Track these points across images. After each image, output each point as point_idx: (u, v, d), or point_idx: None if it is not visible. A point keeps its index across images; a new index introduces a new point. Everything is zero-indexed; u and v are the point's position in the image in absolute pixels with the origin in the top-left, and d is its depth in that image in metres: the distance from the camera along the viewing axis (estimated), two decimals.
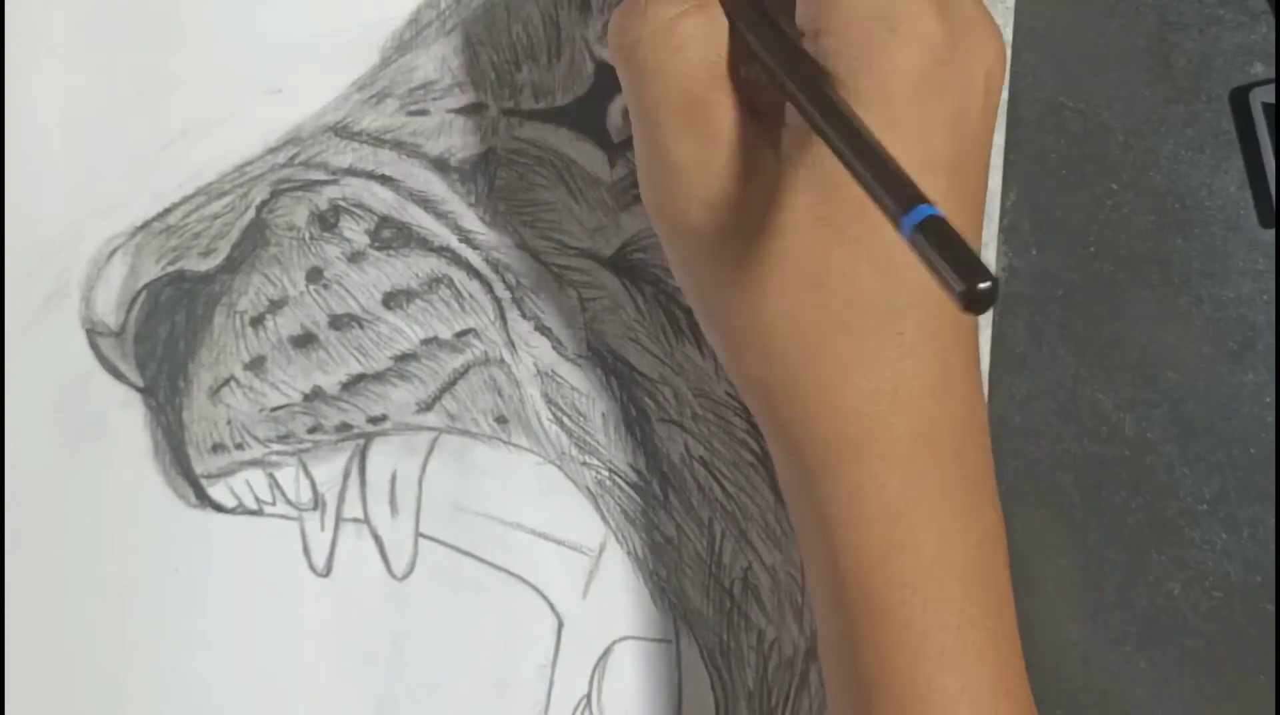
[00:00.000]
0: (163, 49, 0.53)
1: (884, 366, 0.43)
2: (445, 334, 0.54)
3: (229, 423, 0.54)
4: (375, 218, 0.53)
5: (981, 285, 0.32)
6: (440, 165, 0.53)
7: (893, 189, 0.36)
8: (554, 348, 0.54)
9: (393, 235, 0.53)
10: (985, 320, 0.55)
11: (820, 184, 0.43)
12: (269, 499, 0.54)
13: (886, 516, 0.44)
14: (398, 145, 0.53)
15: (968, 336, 0.45)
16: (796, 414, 0.45)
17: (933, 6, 0.42)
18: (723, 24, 0.45)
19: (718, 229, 0.44)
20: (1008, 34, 0.55)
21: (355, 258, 0.53)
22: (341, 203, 0.53)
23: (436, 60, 0.53)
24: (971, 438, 0.45)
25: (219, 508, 0.54)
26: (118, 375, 0.53)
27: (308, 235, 0.53)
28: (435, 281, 0.54)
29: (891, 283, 0.43)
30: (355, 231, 0.53)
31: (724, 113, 0.44)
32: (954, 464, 0.45)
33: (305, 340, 0.53)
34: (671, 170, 0.44)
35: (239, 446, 0.54)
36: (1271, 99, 0.54)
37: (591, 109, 0.54)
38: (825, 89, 0.41)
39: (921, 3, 0.42)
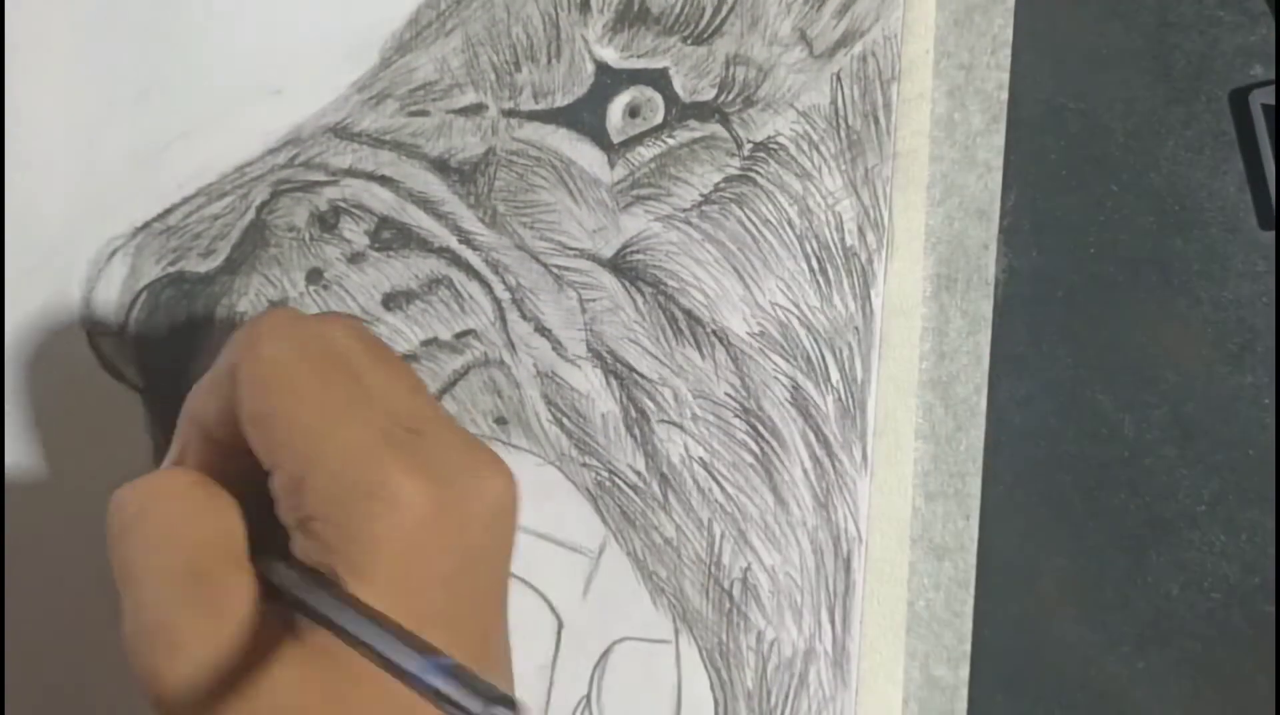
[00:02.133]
0: (163, 49, 0.53)
1: None
2: (445, 335, 0.54)
3: None
4: (375, 219, 0.53)
5: (500, 710, 0.32)
6: (440, 166, 0.53)
7: (399, 653, 0.36)
8: (553, 349, 0.54)
9: (392, 236, 0.53)
10: (985, 320, 0.55)
11: (326, 659, 0.41)
12: None
13: None
14: (397, 146, 0.53)
15: None
16: None
17: (407, 463, 0.41)
18: (232, 503, 0.44)
19: (209, 704, 0.42)
20: (1007, 34, 0.55)
21: (355, 259, 0.53)
22: (341, 204, 0.53)
23: (436, 61, 0.54)
24: None
25: None
26: (118, 375, 0.53)
27: (307, 236, 0.53)
28: (435, 282, 0.54)
29: None
30: (355, 232, 0.53)
31: (234, 589, 0.42)
32: None
33: None
34: (170, 640, 0.42)
35: None
36: (1271, 100, 0.54)
37: (591, 110, 0.54)
38: (313, 581, 0.41)
39: (393, 464, 0.41)
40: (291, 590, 0.42)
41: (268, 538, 0.44)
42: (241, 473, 0.44)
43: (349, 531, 0.41)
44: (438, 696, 0.34)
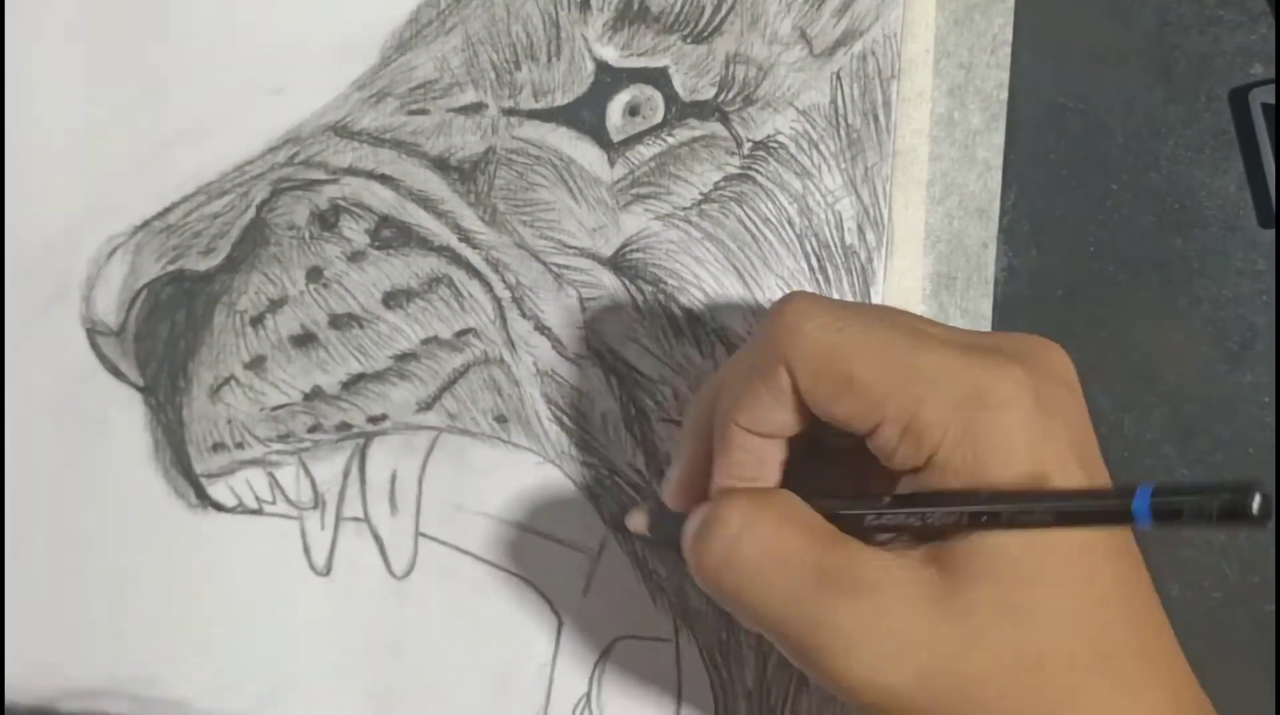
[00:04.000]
0: (163, 49, 0.53)
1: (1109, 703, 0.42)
2: (445, 333, 0.54)
3: (229, 422, 0.54)
4: (375, 217, 0.53)
5: (1255, 497, 0.32)
6: (440, 164, 0.54)
7: (1097, 506, 0.37)
8: (553, 347, 0.54)
9: (392, 235, 0.53)
10: (985, 319, 0.55)
11: (998, 575, 0.42)
12: (269, 498, 0.54)
13: None
14: (397, 144, 0.53)
15: (1179, 667, 0.45)
16: None
17: (999, 365, 0.42)
18: (791, 498, 0.45)
19: (912, 679, 0.42)
20: (1007, 33, 0.55)
21: (355, 257, 0.53)
22: (341, 202, 0.53)
23: (436, 59, 0.54)
24: None
25: (219, 507, 0.54)
26: (118, 374, 0.53)
27: (308, 234, 0.53)
28: (435, 281, 0.54)
29: (1080, 633, 0.42)
30: (355, 231, 0.53)
31: (868, 563, 0.43)
32: None
33: (305, 339, 0.53)
34: (842, 645, 0.42)
35: (239, 446, 0.54)
36: (1271, 99, 0.54)
37: (591, 108, 0.54)
38: (958, 502, 0.41)
39: (985, 369, 0.42)
40: (922, 522, 0.42)
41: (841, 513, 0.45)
42: (779, 460, 0.46)
43: (979, 446, 0.42)
44: (1162, 519, 0.34)
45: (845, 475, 0.47)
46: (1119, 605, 0.43)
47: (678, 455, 0.49)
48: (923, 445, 0.42)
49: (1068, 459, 0.42)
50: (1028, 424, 0.42)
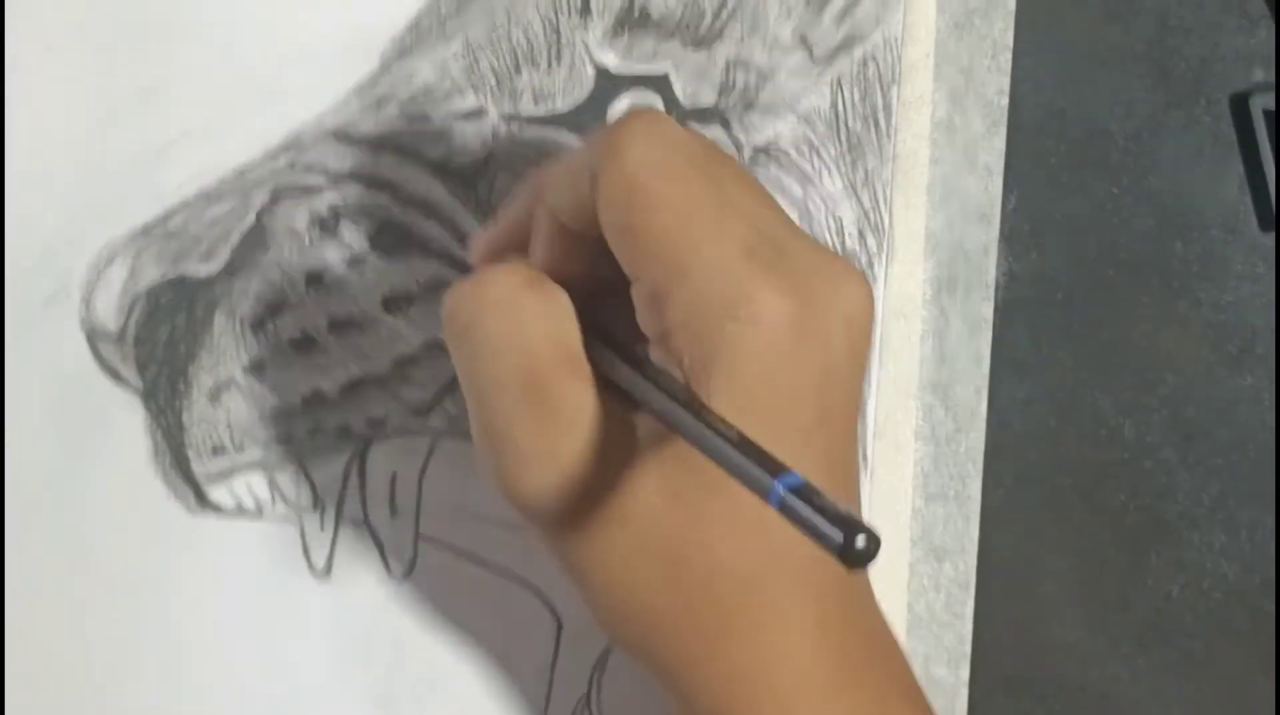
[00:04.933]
0: (163, 51, 0.53)
1: (753, 634, 0.43)
2: None
3: (229, 425, 0.54)
4: (375, 222, 0.53)
5: (858, 541, 0.33)
6: (440, 170, 0.53)
7: (752, 467, 0.36)
8: None
9: (392, 240, 0.53)
10: (985, 323, 0.55)
11: (676, 463, 0.42)
12: (269, 501, 0.54)
13: None
14: (398, 150, 0.53)
15: (848, 589, 0.45)
16: (678, 685, 0.44)
17: (770, 280, 0.41)
18: (565, 301, 0.45)
19: (570, 512, 0.43)
20: (1008, 37, 0.55)
21: (355, 262, 0.53)
22: (341, 207, 0.53)
23: (436, 65, 0.54)
24: (873, 680, 0.45)
25: (219, 510, 0.54)
26: (118, 378, 0.53)
27: (308, 239, 0.53)
28: (435, 285, 0.54)
29: (752, 552, 0.43)
30: (355, 236, 0.53)
31: (571, 394, 0.43)
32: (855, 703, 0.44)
33: (305, 344, 0.53)
34: (516, 453, 0.43)
35: (239, 449, 0.54)
36: (1271, 104, 0.55)
37: (592, 114, 0.54)
38: (668, 389, 0.41)
39: (756, 280, 0.41)
40: (641, 395, 0.42)
41: (607, 328, 0.45)
42: (583, 260, 0.46)
43: (709, 346, 0.41)
44: (783, 511, 0.35)
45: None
46: (786, 531, 0.43)
47: (497, 214, 0.49)
48: (663, 320, 0.42)
49: (797, 407, 0.42)
50: (769, 353, 0.41)
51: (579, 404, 0.43)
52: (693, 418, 0.39)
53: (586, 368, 0.44)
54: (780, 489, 0.35)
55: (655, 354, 0.43)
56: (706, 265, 0.41)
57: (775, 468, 0.36)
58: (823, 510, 0.34)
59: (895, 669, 0.46)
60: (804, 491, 0.34)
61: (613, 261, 0.44)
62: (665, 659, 0.44)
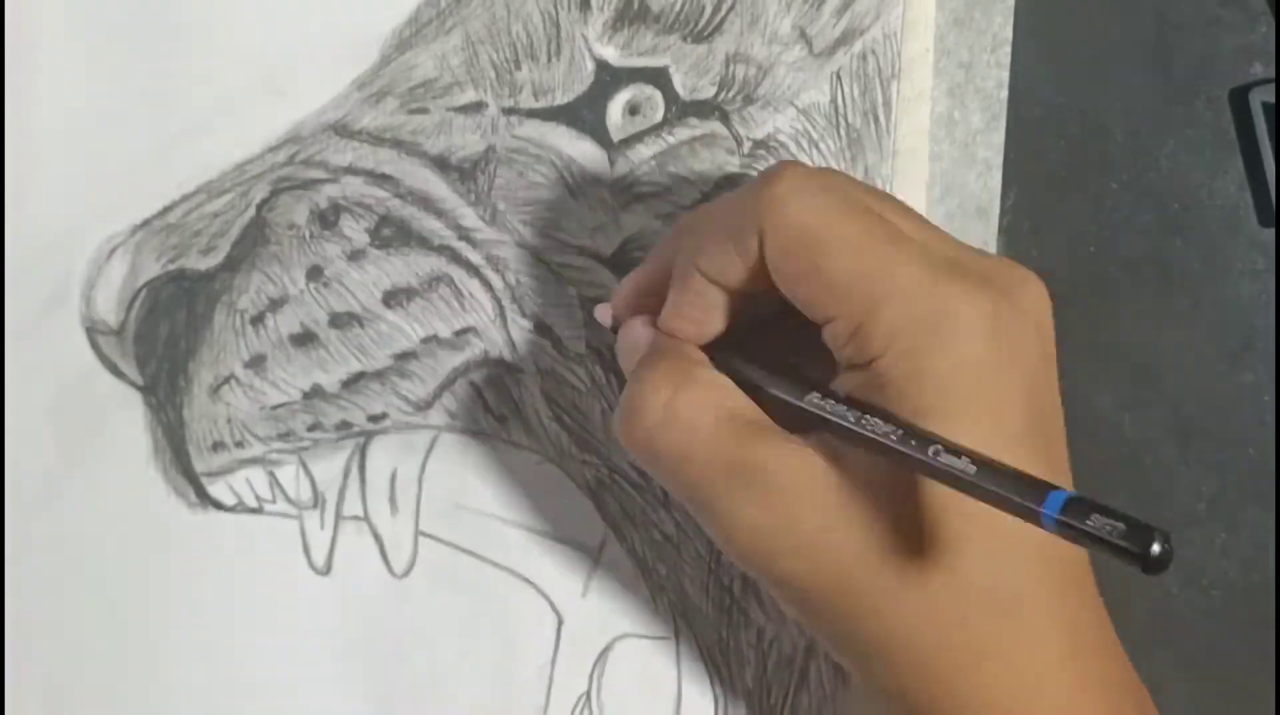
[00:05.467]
0: (163, 48, 0.53)
1: (1010, 663, 0.43)
2: (445, 332, 0.54)
3: (229, 421, 0.54)
4: (375, 216, 0.53)
5: (1155, 548, 0.32)
6: (440, 164, 0.54)
7: (1013, 493, 0.36)
8: (554, 346, 0.54)
9: (393, 234, 0.53)
10: None
11: (912, 497, 0.42)
12: (269, 497, 0.54)
13: None
14: (397, 144, 0.53)
15: (1096, 613, 0.45)
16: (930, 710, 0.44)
17: (962, 290, 0.42)
18: (721, 379, 0.45)
19: (819, 574, 0.43)
20: (1007, 32, 0.55)
21: (355, 256, 0.53)
22: (341, 201, 0.53)
23: (436, 58, 0.54)
24: (1125, 704, 0.45)
25: (219, 506, 0.54)
26: (118, 374, 0.53)
27: (308, 233, 0.53)
28: (435, 280, 0.54)
29: (1007, 576, 0.43)
30: (355, 230, 0.53)
31: (775, 462, 0.43)
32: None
33: (305, 338, 0.53)
34: (750, 537, 0.43)
35: (239, 445, 0.54)
36: (1271, 99, 0.55)
37: (591, 107, 0.54)
38: (889, 422, 0.41)
39: (949, 292, 0.42)
40: (861, 438, 0.42)
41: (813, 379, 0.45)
42: (731, 316, 0.46)
43: (917, 365, 0.42)
44: (1061, 530, 0.34)
45: (790, 341, 0.46)
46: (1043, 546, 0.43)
47: (641, 267, 0.50)
48: (867, 351, 0.42)
49: (1011, 410, 0.42)
50: (976, 362, 0.42)
51: (784, 468, 0.43)
52: (934, 457, 0.39)
53: (773, 432, 0.44)
54: (1053, 509, 0.34)
55: (850, 384, 0.43)
56: (900, 290, 0.42)
57: (1039, 486, 0.35)
58: (1109, 520, 0.33)
59: (1136, 691, 0.46)
60: (1080, 506, 0.34)
61: (763, 311, 0.45)
62: (914, 690, 0.44)
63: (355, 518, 0.54)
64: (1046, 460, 0.43)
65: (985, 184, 0.55)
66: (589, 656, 0.55)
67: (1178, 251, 0.56)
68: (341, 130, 0.53)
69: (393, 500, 0.55)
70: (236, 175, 0.53)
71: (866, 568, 0.42)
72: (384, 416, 0.54)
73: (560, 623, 0.55)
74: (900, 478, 0.42)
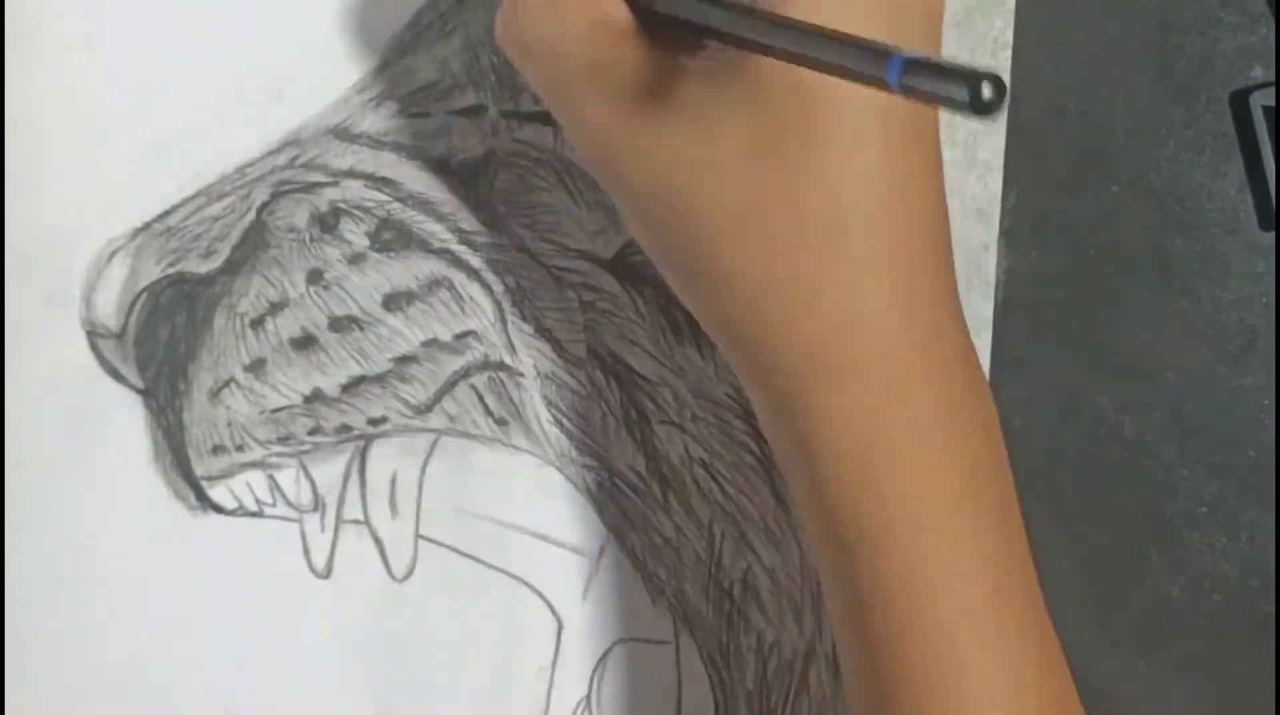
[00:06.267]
0: (163, 49, 0.53)
1: (838, 288, 0.42)
2: (445, 336, 0.54)
3: (229, 424, 0.54)
4: (375, 220, 0.53)
5: (984, 89, 0.32)
6: (440, 167, 0.53)
7: (861, 56, 0.35)
8: (554, 350, 0.54)
9: (393, 237, 0.53)
10: (985, 321, 0.55)
11: (752, 111, 0.42)
12: (269, 500, 0.54)
13: (863, 444, 0.43)
14: (398, 147, 0.53)
15: (932, 251, 0.45)
16: (762, 345, 0.44)
17: None
18: None
19: (656, 179, 0.43)
20: (1007, 35, 0.55)
21: (355, 260, 0.53)
22: (342, 205, 0.53)
23: (437, 62, 0.54)
24: (949, 349, 0.45)
25: (219, 509, 0.54)
26: (118, 377, 0.53)
27: (308, 237, 0.53)
28: (435, 283, 0.54)
29: (835, 202, 0.42)
30: (355, 233, 0.53)
31: (631, 67, 0.43)
32: (931, 382, 0.44)
33: (305, 342, 0.53)
34: (596, 136, 0.44)
35: (239, 448, 0.54)
36: (1271, 102, 0.54)
37: None
38: (752, 11, 0.40)
39: None
40: (720, 25, 0.41)
41: None
42: None
43: None
44: (905, 89, 0.33)
45: None
46: (879, 188, 0.43)
47: None
48: None
49: (874, 15, 0.42)
50: None
51: (640, 76, 0.43)
52: (784, 27, 0.38)
53: (636, 38, 0.43)
54: (898, 65, 0.34)
55: None
56: None
57: (883, 49, 0.34)
58: (941, 72, 0.33)
59: (971, 359, 0.46)
60: (920, 62, 0.34)
61: None
62: (746, 325, 0.44)
63: (355, 521, 0.54)
64: (913, 36, 0.44)
65: (985, 185, 0.55)
66: (589, 660, 0.55)
67: (1178, 253, 0.56)
68: (342, 134, 0.53)
69: (393, 504, 0.55)
70: (237, 178, 0.53)
71: (703, 174, 0.42)
72: (384, 420, 0.54)
73: (560, 626, 0.55)
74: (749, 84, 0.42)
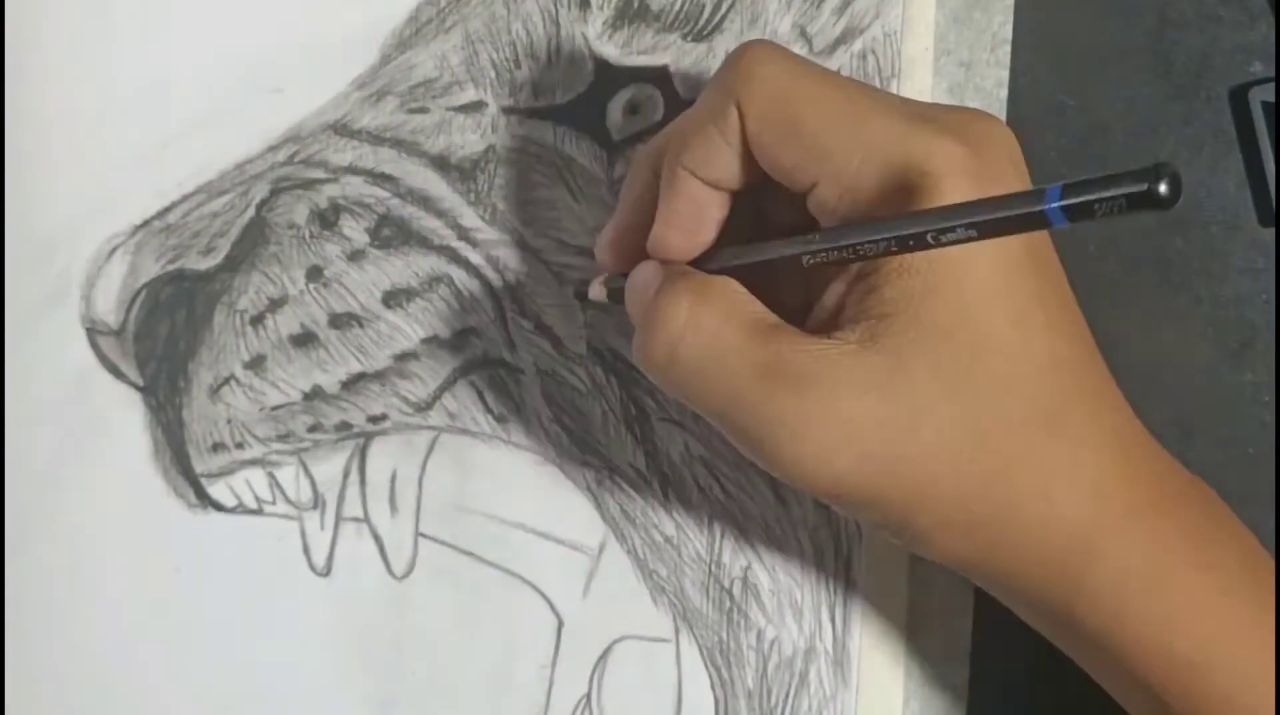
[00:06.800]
0: (163, 48, 0.53)
1: (1064, 472, 0.44)
2: (445, 333, 0.54)
3: (229, 422, 0.54)
4: (375, 216, 0.53)
5: (1161, 185, 0.32)
6: (440, 163, 0.54)
7: (1017, 207, 0.37)
8: (554, 346, 0.54)
9: (392, 234, 0.53)
10: None
11: (920, 342, 0.43)
12: (269, 498, 0.54)
13: (1146, 593, 0.44)
14: (397, 143, 0.53)
15: (1125, 417, 0.46)
16: (996, 566, 0.45)
17: (938, 133, 0.43)
18: (737, 286, 0.45)
19: (861, 462, 0.43)
20: (1007, 31, 0.55)
21: (355, 256, 0.53)
22: (341, 201, 0.53)
23: (436, 58, 0.54)
24: (1175, 480, 0.46)
25: (219, 507, 0.54)
26: (118, 374, 0.53)
27: (308, 233, 0.53)
28: (435, 280, 0.54)
29: (1040, 392, 0.43)
30: (355, 230, 0.53)
31: (805, 357, 0.43)
32: (1180, 518, 0.45)
33: (305, 339, 0.53)
34: (793, 438, 0.43)
35: (239, 445, 0.54)
36: (1271, 98, 0.54)
37: (591, 107, 0.54)
38: (891, 221, 0.41)
39: (926, 135, 0.43)
40: (866, 251, 0.42)
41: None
42: (723, 209, 0.47)
43: (911, 206, 0.42)
44: (1068, 211, 0.34)
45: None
46: (1062, 364, 0.44)
47: (615, 210, 0.49)
48: (859, 204, 0.43)
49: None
50: (962, 193, 0.42)
51: (819, 356, 0.43)
52: (932, 223, 0.39)
53: (789, 328, 0.44)
54: (1055, 194, 0.34)
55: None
56: (880, 135, 0.43)
57: (1034, 193, 0.35)
58: (1105, 181, 0.33)
59: (1200, 485, 0.47)
60: (1074, 184, 0.34)
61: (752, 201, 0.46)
62: (1004, 556, 0.45)
63: (355, 519, 0.54)
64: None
65: None
66: (589, 658, 0.55)
67: (1178, 250, 0.56)
68: (341, 130, 0.53)
69: (393, 501, 0.54)
70: (236, 175, 0.53)
71: (913, 443, 0.43)
72: (384, 417, 0.54)
73: (560, 624, 0.55)
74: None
